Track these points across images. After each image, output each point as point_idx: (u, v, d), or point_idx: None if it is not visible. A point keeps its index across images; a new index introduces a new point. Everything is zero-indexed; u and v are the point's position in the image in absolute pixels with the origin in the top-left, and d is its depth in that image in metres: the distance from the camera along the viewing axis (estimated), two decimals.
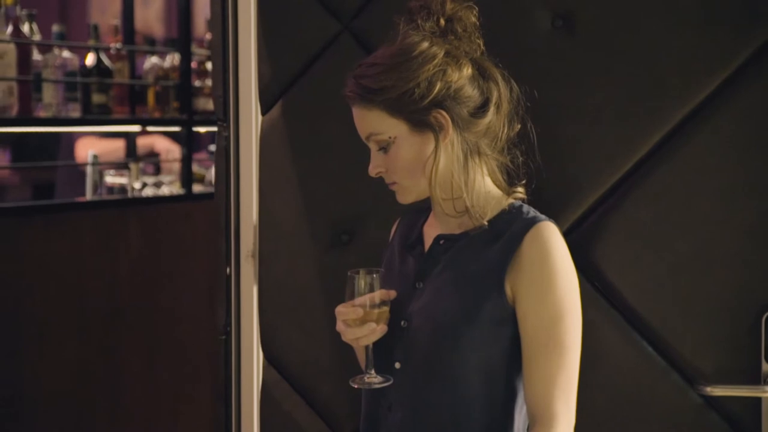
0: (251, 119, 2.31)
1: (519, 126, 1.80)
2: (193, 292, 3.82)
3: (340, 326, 1.73)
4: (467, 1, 1.78)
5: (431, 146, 1.72)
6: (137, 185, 4.03)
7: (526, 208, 1.77)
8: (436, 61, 1.70)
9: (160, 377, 3.75)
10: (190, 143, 4.03)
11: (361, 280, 1.71)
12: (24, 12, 3.46)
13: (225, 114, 2.33)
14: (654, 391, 1.96)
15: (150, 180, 4.17)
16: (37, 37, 3.51)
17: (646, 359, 1.96)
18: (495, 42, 1.99)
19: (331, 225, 2.19)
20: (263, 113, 2.26)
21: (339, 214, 2.18)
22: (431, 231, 1.83)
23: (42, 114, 3.46)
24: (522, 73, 1.98)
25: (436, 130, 1.71)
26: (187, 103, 3.99)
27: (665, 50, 1.93)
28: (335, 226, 2.18)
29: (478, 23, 1.78)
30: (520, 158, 1.82)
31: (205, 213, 3.76)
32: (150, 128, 4.14)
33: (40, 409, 3.33)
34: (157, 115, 3.97)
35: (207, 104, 4.10)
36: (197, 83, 4.11)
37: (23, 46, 3.37)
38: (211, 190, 4.13)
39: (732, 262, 1.92)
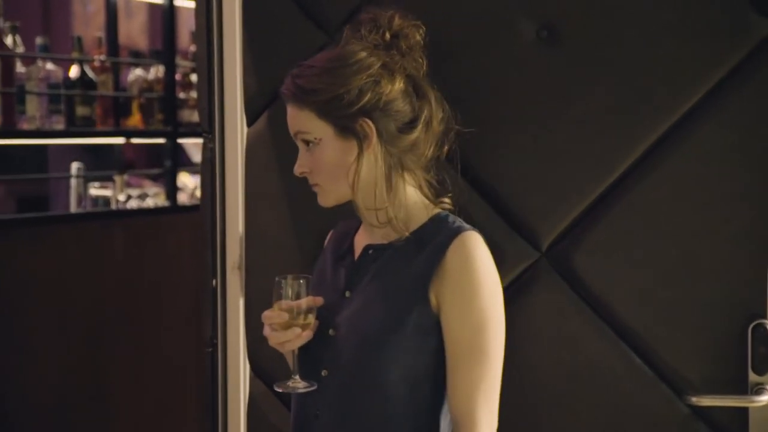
0: (237, 131, 2.31)
1: (447, 147, 1.85)
2: (179, 304, 3.80)
3: (266, 330, 1.77)
4: (415, 20, 1.83)
5: (354, 153, 1.75)
6: (122, 197, 4.02)
7: (452, 218, 1.80)
8: (370, 71, 1.74)
9: (146, 389, 3.73)
10: (174, 155, 4.02)
11: (288, 286, 1.74)
12: (7, 24, 3.45)
13: (210, 126, 2.32)
14: (641, 402, 1.96)
15: (134, 192, 4.16)
16: (20, 50, 3.49)
17: (634, 370, 1.96)
18: (479, 52, 2.00)
19: (317, 237, 2.18)
20: (249, 125, 2.26)
21: (325, 225, 2.17)
22: (361, 241, 1.87)
23: (25, 126, 3.44)
24: (507, 83, 1.99)
25: (360, 138, 1.75)
26: (172, 115, 3.98)
27: (650, 61, 1.94)
28: (321, 238, 2.17)
29: (422, 42, 1.83)
30: (454, 174, 1.87)
31: (190, 225, 3.75)
32: (134, 140, 4.13)
33: (26, 421, 3.31)
34: (141, 127, 3.96)
35: (192, 116, 4.09)
36: (182, 95, 4.11)
37: (6, 59, 3.36)
38: (195, 202, 4.13)
39: (719, 272, 1.92)
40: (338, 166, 1.77)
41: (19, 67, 3.46)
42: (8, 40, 3.43)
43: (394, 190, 1.77)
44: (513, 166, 1.98)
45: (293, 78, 1.77)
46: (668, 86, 1.93)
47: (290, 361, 1.88)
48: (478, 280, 1.72)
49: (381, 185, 1.76)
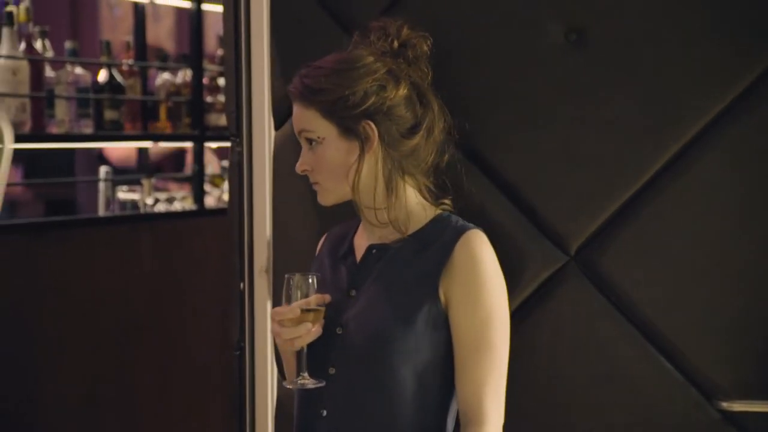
0: (264, 134, 2.31)
1: (447, 156, 1.90)
2: (205, 308, 3.81)
3: (275, 327, 1.80)
4: (423, 32, 1.89)
5: (356, 154, 1.81)
6: (149, 201, 4.04)
7: (454, 218, 1.86)
8: (376, 75, 1.81)
9: (173, 392, 3.74)
10: (201, 159, 4.03)
11: (298, 283, 1.78)
12: (37, 29, 3.47)
13: (238, 129, 2.33)
14: (671, 407, 1.95)
15: (162, 196, 4.17)
16: (49, 54, 3.52)
17: (663, 374, 1.95)
18: (508, 55, 1.99)
19: None
20: (276, 128, 2.26)
21: None
22: (361, 242, 1.91)
23: (55, 130, 3.46)
24: (535, 86, 1.98)
25: (363, 139, 1.80)
26: (199, 119, 4.00)
27: (680, 63, 1.93)
28: None
29: (429, 53, 1.89)
30: (447, 183, 1.92)
31: (217, 228, 3.75)
32: (162, 144, 4.15)
33: (54, 424, 3.33)
34: (169, 130, 3.98)
35: (219, 120, 4.10)
36: (209, 99, 4.12)
37: (36, 63, 3.38)
38: (222, 205, 4.14)
39: (749, 276, 1.90)
40: (340, 166, 1.82)
41: (49, 72, 3.48)
42: (38, 45, 3.45)
43: (394, 191, 1.83)
44: (541, 170, 1.98)
45: (301, 77, 1.84)
46: (698, 89, 1.92)
47: (289, 362, 1.91)
48: (484, 276, 1.78)
49: (381, 186, 1.83)
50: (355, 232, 1.95)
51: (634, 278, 1.95)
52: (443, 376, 1.80)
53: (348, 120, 1.80)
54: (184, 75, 4.06)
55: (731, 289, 1.91)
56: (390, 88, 1.81)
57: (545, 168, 1.98)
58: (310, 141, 1.84)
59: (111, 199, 4.02)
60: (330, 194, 1.86)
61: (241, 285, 2.34)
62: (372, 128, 1.80)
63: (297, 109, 1.85)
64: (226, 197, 3.86)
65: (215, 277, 3.77)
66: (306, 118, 1.83)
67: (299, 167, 1.86)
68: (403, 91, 1.82)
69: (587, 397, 1.97)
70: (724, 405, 1.91)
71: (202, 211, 4.00)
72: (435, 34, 1.99)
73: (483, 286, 1.78)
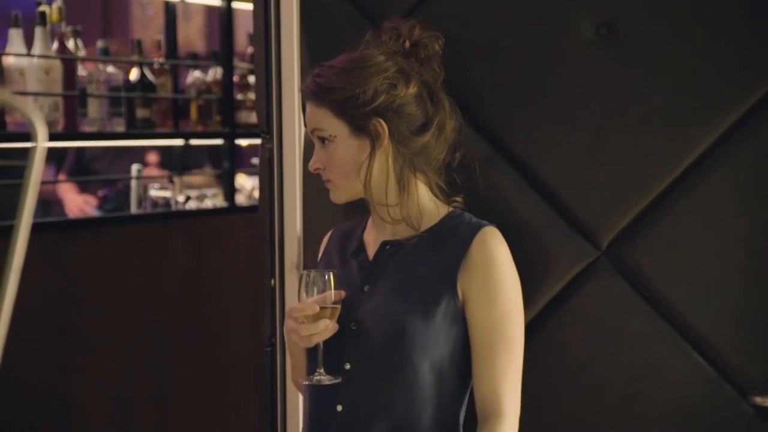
0: (294, 131, 2.32)
1: (459, 155, 1.92)
2: (237, 304, 3.83)
3: (290, 324, 1.80)
4: (435, 32, 1.91)
5: (367, 152, 1.83)
6: (181, 198, 4.06)
7: (467, 215, 1.88)
8: (387, 74, 1.83)
9: (204, 388, 3.76)
10: (232, 156, 4.05)
11: (316, 280, 1.79)
12: (69, 28, 3.50)
13: (268, 126, 2.33)
14: (705, 402, 1.93)
15: (194, 193, 4.20)
16: (82, 53, 3.55)
17: (697, 369, 1.93)
18: (539, 50, 1.99)
19: None
20: (306, 125, 2.27)
21: None
22: (371, 238, 1.93)
23: (87, 129, 3.49)
24: (566, 80, 1.98)
25: (373, 137, 1.82)
26: (230, 117, 4.01)
27: (712, 56, 1.91)
28: None
29: (441, 53, 1.91)
30: (458, 181, 1.93)
31: (248, 225, 3.77)
32: (193, 141, 4.18)
33: (86, 420, 3.36)
34: (199, 128, 4.00)
35: (249, 117, 4.12)
36: (239, 97, 4.14)
37: (68, 62, 3.41)
38: (253, 203, 4.15)
39: None
40: (351, 164, 1.84)
41: (81, 71, 3.51)
42: (70, 44, 3.48)
43: (406, 188, 1.84)
44: (572, 165, 1.97)
45: (314, 77, 1.86)
46: (730, 83, 1.90)
47: (299, 359, 1.92)
48: (501, 272, 1.81)
49: (392, 183, 1.85)
50: (363, 229, 1.96)
51: (666, 273, 1.94)
52: (459, 370, 1.82)
53: (359, 118, 1.82)
54: (215, 73, 4.08)
55: (764, 285, 1.90)
56: (400, 87, 1.83)
57: (576, 163, 1.97)
58: (322, 139, 1.86)
59: (143, 197, 4.05)
60: (342, 192, 1.88)
61: (272, 281, 2.34)
62: (382, 126, 1.82)
63: (309, 108, 1.88)
64: (256, 194, 3.87)
65: (246, 273, 3.78)
66: (318, 117, 1.85)
67: (311, 166, 1.89)
68: (413, 89, 1.84)
69: (619, 393, 1.97)
70: (758, 400, 1.90)
71: (233, 209, 4.02)
72: (466, 29, 1.99)
73: (500, 282, 1.80)
